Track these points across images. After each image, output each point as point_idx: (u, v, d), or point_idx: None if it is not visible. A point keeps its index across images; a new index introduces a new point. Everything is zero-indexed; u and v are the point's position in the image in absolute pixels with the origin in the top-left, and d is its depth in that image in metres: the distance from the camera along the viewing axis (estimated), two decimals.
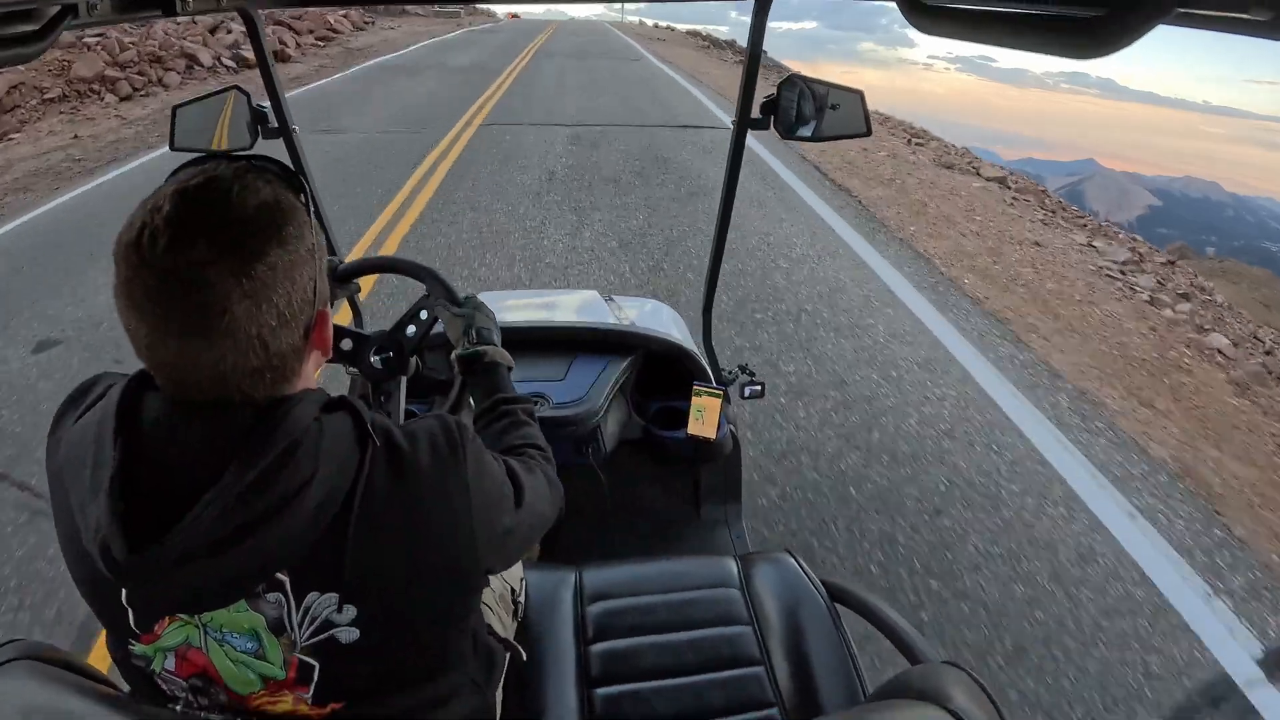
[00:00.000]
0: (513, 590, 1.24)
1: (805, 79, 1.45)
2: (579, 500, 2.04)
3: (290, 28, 17.38)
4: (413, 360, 1.32)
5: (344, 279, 1.34)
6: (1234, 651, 2.10)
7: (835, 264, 4.94)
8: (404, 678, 0.72)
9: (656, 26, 43.46)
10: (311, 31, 18.26)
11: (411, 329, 1.29)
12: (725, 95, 12.08)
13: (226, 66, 13.13)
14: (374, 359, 1.30)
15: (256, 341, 0.60)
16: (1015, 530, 2.50)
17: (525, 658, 1.14)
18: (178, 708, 0.70)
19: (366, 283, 3.86)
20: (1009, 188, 7.68)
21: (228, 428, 0.61)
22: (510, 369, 1.15)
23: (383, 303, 3.96)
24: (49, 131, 8.70)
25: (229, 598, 0.63)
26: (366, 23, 22.80)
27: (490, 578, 1.17)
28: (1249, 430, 3.39)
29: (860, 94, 1.43)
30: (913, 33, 0.85)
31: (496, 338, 1.17)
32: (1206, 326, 4.63)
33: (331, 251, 1.82)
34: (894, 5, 0.93)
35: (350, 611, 0.65)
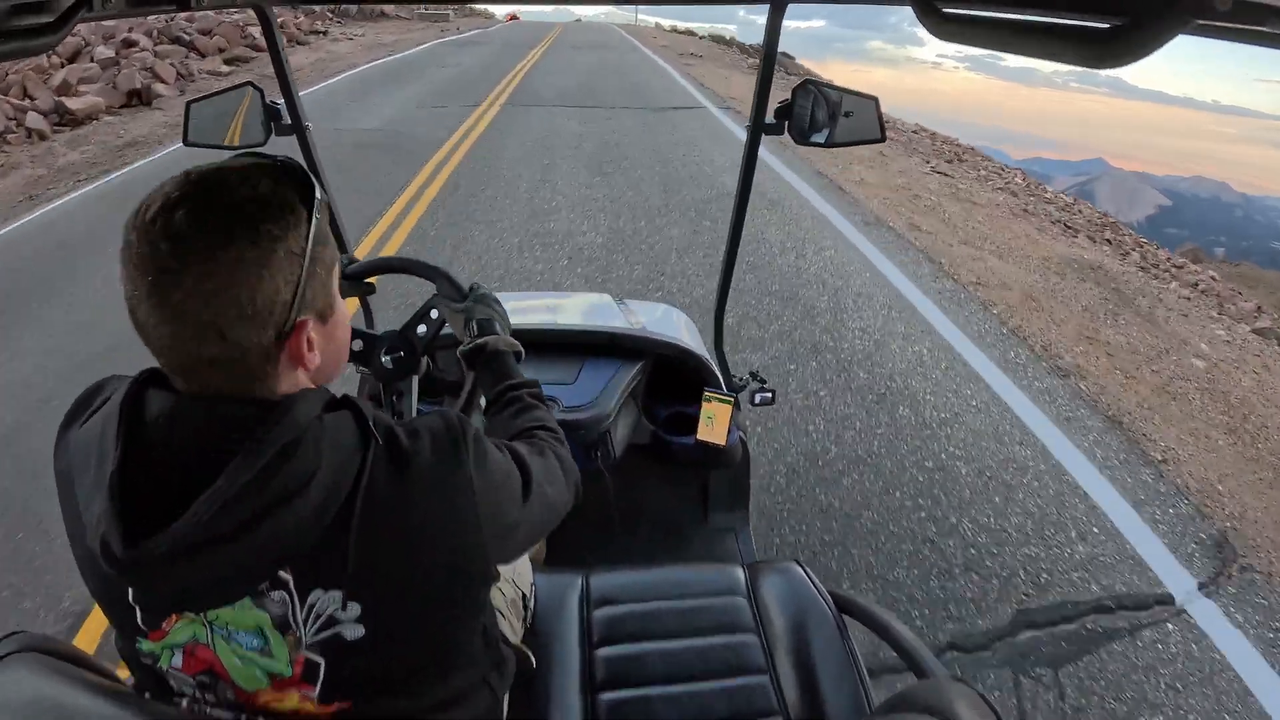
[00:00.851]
0: (524, 595, 1.24)
1: (819, 84, 1.44)
2: (587, 505, 2.02)
3: (193, 46, 12.82)
4: (423, 360, 1.32)
5: (353, 279, 1.34)
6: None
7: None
8: (411, 676, 0.72)
9: (675, 31, 36.87)
10: (221, 51, 13.27)
11: (422, 328, 1.30)
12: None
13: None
14: (385, 359, 1.30)
15: (211, 330, 0.60)
16: None
17: (535, 664, 1.13)
18: (184, 704, 0.70)
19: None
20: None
21: (228, 424, 0.62)
22: (519, 355, 1.15)
23: (392, 305, 3.92)
24: None
25: (232, 595, 0.64)
26: (315, 33, 18.06)
27: (503, 583, 1.17)
28: None
29: (875, 100, 1.42)
30: (922, 32, 0.84)
31: (499, 326, 1.17)
32: None
33: (342, 249, 1.83)
34: (909, 8, 0.92)
35: (355, 609, 0.65)
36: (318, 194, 0.68)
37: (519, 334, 1.19)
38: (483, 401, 1.11)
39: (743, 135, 2.06)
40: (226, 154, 0.72)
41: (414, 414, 1.36)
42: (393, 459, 0.67)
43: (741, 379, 2.00)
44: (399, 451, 0.68)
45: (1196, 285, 6.51)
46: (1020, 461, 3.08)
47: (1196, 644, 2.27)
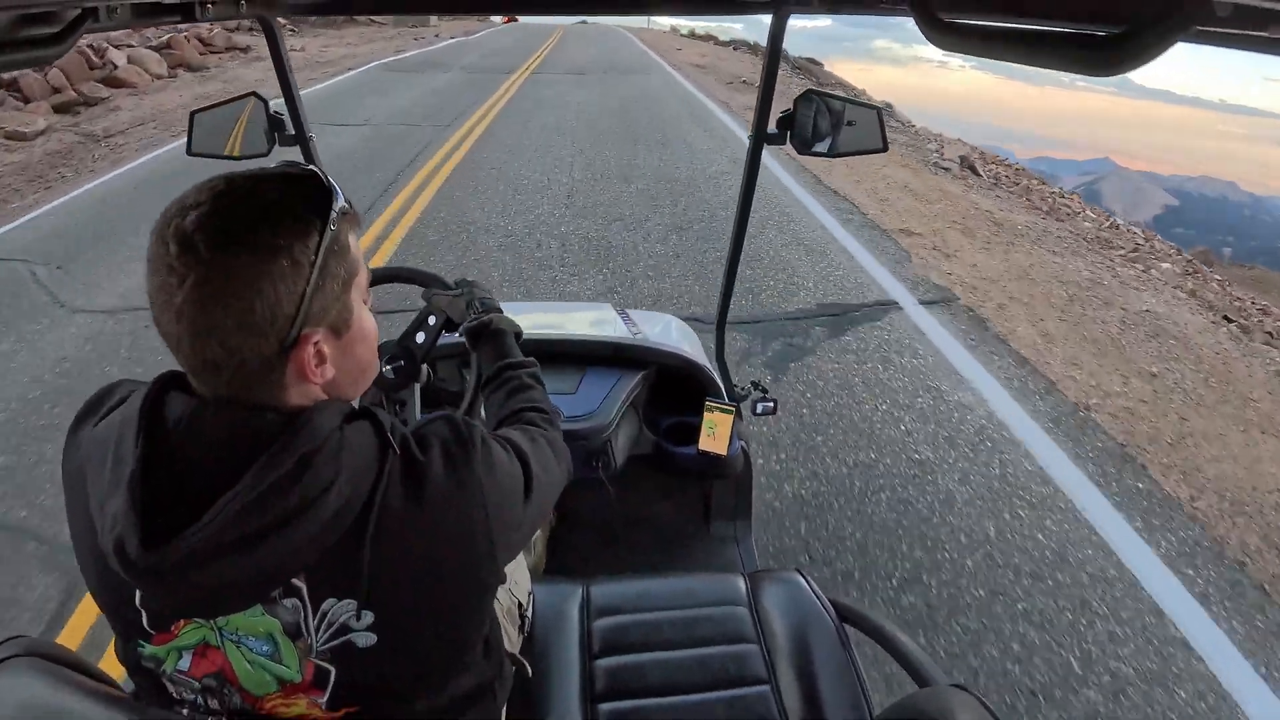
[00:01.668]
0: (520, 604, 1.24)
1: (822, 94, 1.44)
2: (588, 514, 2.04)
3: (19, 92, 8.81)
4: (424, 369, 1.33)
5: None
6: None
7: None
8: (418, 681, 0.72)
9: (694, 36, 30.00)
10: (56, 92, 9.25)
11: (420, 336, 1.30)
12: None
13: None
14: (386, 369, 1.31)
15: (211, 337, 0.60)
16: None
17: (530, 672, 1.13)
18: (184, 711, 0.70)
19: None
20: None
21: (250, 431, 0.62)
22: (519, 335, 1.17)
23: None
24: None
25: (245, 602, 0.64)
26: (232, 50, 14.17)
27: (500, 591, 1.17)
28: None
29: (878, 109, 1.42)
30: None
31: (498, 306, 1.19)
32: None
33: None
34: (910, 20, 0.92)
35: (368, 618, 0.65)
36: (338, 205, 0.66)
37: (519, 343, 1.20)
38: (483, 413, 1.11)
39: None
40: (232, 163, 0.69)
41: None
42: (407, 471, 0.67)
43: (744, 389, 1.99)
44: (413, 463, 0.68)
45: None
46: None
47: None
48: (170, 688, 0.69)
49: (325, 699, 0.67)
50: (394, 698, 0.70)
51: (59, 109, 9.17)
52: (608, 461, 1.74)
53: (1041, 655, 2.09)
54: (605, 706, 1.16)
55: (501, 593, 1.18)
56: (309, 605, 0.64)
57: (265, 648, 0.65)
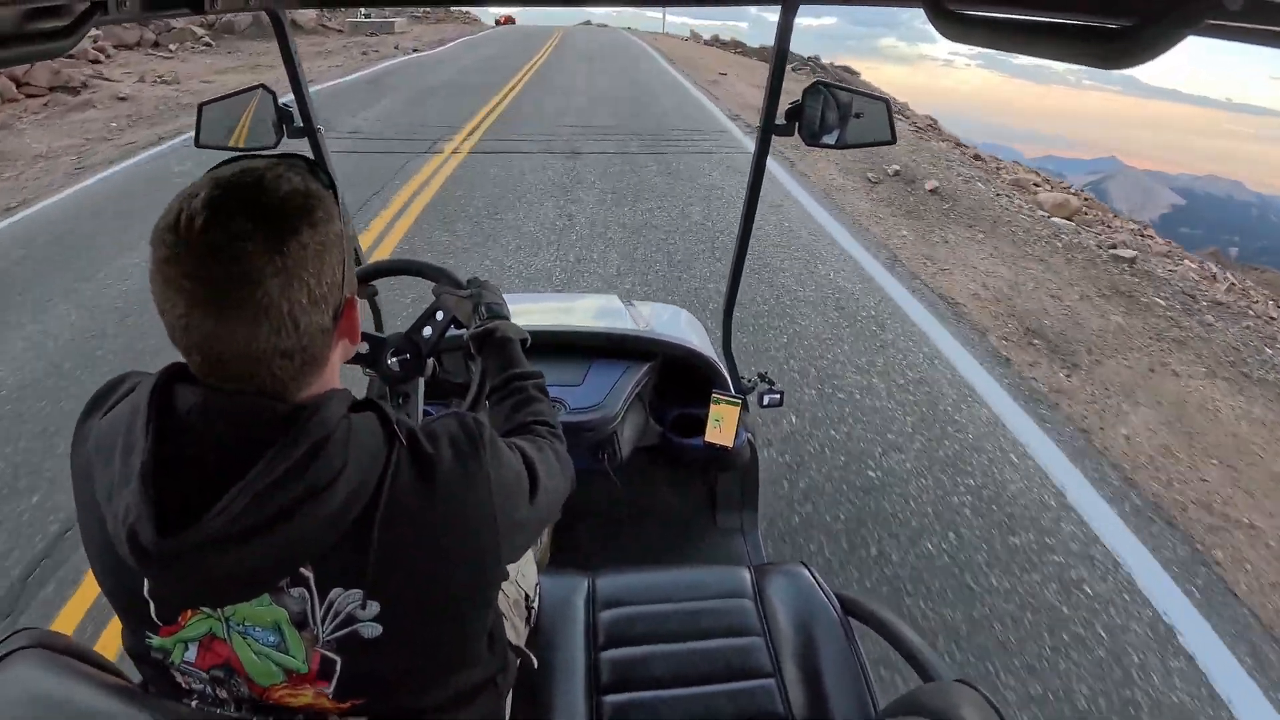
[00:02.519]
0: (527, 596, 1.24)
1: (829, 86, 1.44)
2: (594, 505, 2.04)
3: None
4: (429, 362, 1.33)
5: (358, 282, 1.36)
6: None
7: None
8: (425, 674, 0.73)
9: (719, 44, 26.43)
10: None
11: (428, 330, 1.31)
12: None
13: None
14: (392, 361, 1.31)
15: (288, 320, 0.61)
16: None
17: (536, 665, 1.13)
18: (193, 703, 0.71)
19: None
20: None
21: (261, 420, 0.62)
22: (525, 342, 1.17)
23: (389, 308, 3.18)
24: None
25: (254, 591, 0.64)
26: (62, 94, 9.87)
27: (505, 584, 1.17)
28: None
29: (886, 102, 1.41)
30: (935, 30, 0.84)
31: (506, 312, 1.20)
32: None
33: (357, 260, 1.85)
34: (920, 10, 0.92)
35: (374, 608, 0.66)
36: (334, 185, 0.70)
37: None
38: (488, 404, 1.12)
39: None
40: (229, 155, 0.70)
41: (420, 416, 1.37)
42: (416, 461, 0.68)
43: (750, 380, 1.99)
44: (421, 454, 0.69)
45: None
46: None
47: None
48: (179, 678, 0.70)
49: (332, 689, 0.68)
50: (400, 690, 0.71)
51: None
52: (614, 453, 1.74)
53: None
54: (610, 698, 1.17)
55: (508, 585, 1.18)
56: (316, 595, 0.65)
57: (271, 638, 0.66)
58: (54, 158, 7.36)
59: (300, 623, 0.65)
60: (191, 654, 0.68)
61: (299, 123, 1.54)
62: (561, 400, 1.69)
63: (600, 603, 1.32)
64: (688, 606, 1.31)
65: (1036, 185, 8.07)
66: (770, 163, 1.86)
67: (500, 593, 1.14)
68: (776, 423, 3.05)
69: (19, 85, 9.86)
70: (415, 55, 18.92)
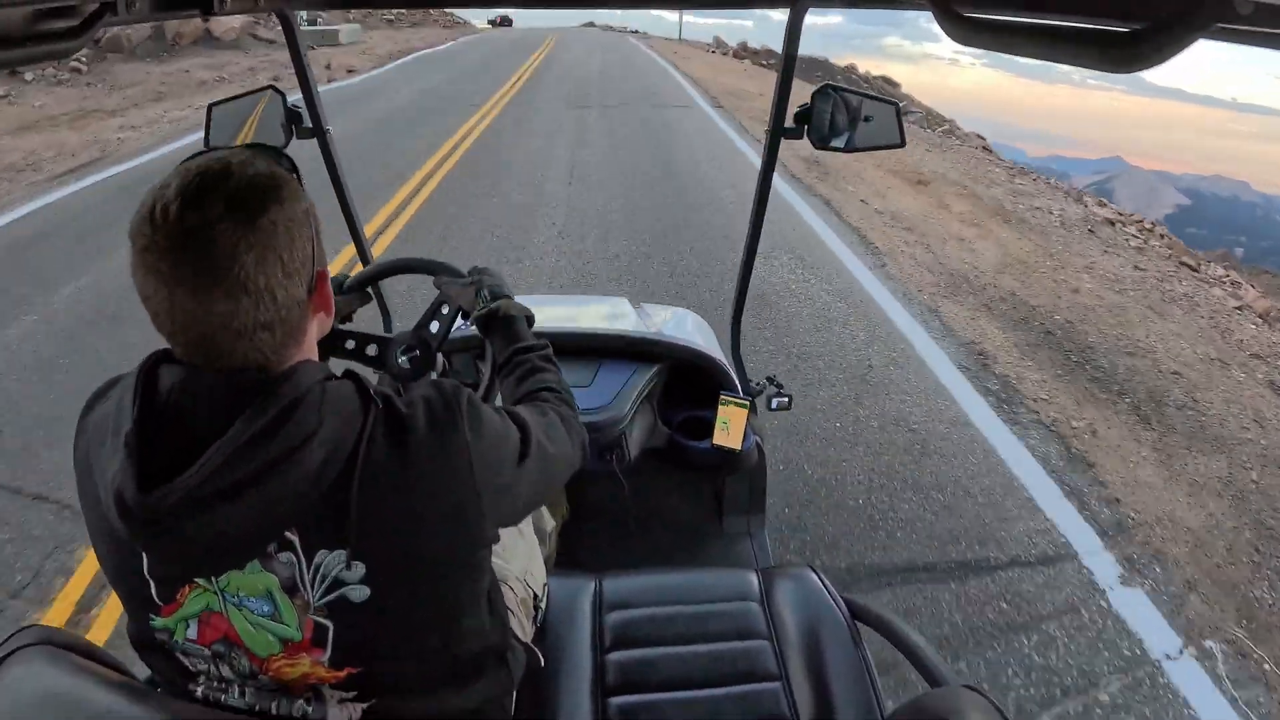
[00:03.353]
0: (535, 595, 1.24)
1: (839, 89, 1.44)
2: (601, 507, 2.04)
3: None
4: (439, 358, 1.33)
5: (355, 290, 1.39)
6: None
7: None
8: (418, 640, 0.74)
9: (746, 55, 21.31)
10: None
11: (434, 325, 1.31)
12: None
13: None
14: (401, 359, 1.31)
15: (266, 293, 0.64)
16: None
17: (543, 662, 1.14)
18: (199, 690, 0.73)
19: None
20: None
21: (237, 387, 0.65)
22: (530, 320, 1.19)
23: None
24: None
25: (243, 557, 0.67)
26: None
27: (513, 582, 1.18)
28: None
29: (896, 105, 1.41)
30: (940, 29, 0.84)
31: (508, 292, 1.21)
32: None
33: (364, 260, 1.86)
34: (922, 17, 0.92)
35: (359, 569, 0.68)
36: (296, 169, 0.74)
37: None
38: (499, 400, 1.12)
39: None
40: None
41: None
42: (390, 423, 0.71)
43: (758, 383, 1.99)
44: (397, 416, 0.71)
45: None
46: None
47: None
48: (184, 660, 0.72)
49: (327, 656, 0.70)
50: (393, 657, 0.73)
51: None
52: (622, 455, 1.74)
53: None
54: (616, 700, 1.17)
55: (516, 583, 1.19)
56: (303, 558, 0.67)
57: (266, 607, 0.68)
58: None
59: (290, 588, 0.68)
60: (193, 631, 0.70)
61: (308, 124, 1.55)
62: None
63: (607, 604, 1.32)
64: (694, 609, 1.31)
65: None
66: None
67: (508, 590, 1.15)
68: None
69: None
70: (340, 84, 13.42)
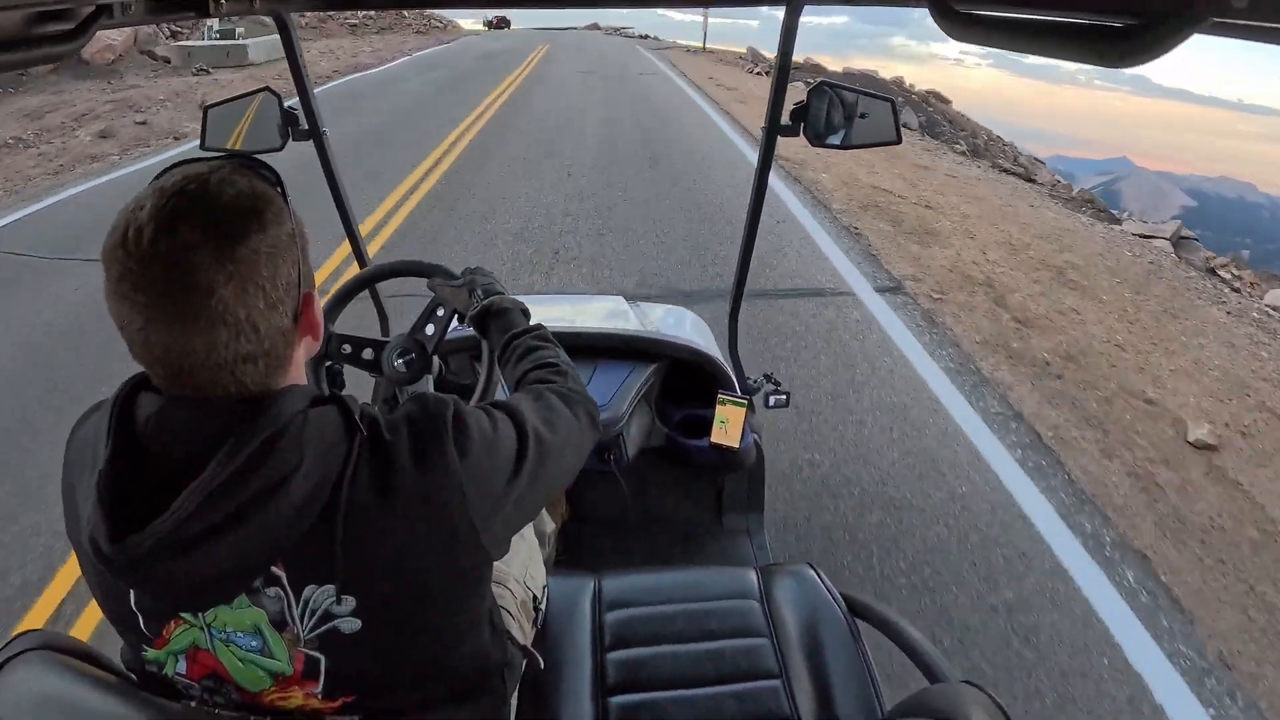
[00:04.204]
0: (535, 597, 1.24)
1: (835, 86, 1.43)
2: (600, 507, 2.04)
3: None
4: (435, 361, 1.33)
5: (348, 297, 1.40)
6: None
7: None
8: (413, 669, 0.72)
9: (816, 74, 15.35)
10: None
11: (430, 328, 1.31)
12: None
13: None
14: (397, 362, 1.31)
15: (248, 326, 0.61)
16: None
17: (543, 666, 1.14)
18: (194, 704, 0.71)
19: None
20: None
21: (215, 419, 0.62)
22: (526, 313, 1.16)
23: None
24: None
25: (229, 593, 0.64)
26: None
27: (513, 584, 1.17)
28: None
29: (891, 102, 1.41)
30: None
31: (501, 289, 1.19)
32: None
33: (361, 262, 1.85)
34: (925, 10, 0.92)
35: (349, 602, 0.65)
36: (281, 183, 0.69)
37: None
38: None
39: None
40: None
41: None
42: (375, 456, 0.67)
43: (756, 381, 1.99)
44: (381, 445, 0.67)
45: None
46: None
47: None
48: (178, 688, 0.70)
49: (320, 689, 0.68)
50: (390, 685, 0.71)
51: None
52: (620, 455, 1.74)
53: None
54: (616, 699, 1.16)
55: (515, 585, 1.19)
56: (290, 593, 0.64)
57: (254, 642, 0.66)
58: None
59: (279, 623, 0.65)
60: (182, 666, 0.68)
61: (304, 125, 1.55)
62: None
63: (606, 604, 1.32)
64: (694, 607, 1.31)
65: None
66: None
67: (508, 592, 1.14)
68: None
69: None
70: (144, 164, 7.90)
